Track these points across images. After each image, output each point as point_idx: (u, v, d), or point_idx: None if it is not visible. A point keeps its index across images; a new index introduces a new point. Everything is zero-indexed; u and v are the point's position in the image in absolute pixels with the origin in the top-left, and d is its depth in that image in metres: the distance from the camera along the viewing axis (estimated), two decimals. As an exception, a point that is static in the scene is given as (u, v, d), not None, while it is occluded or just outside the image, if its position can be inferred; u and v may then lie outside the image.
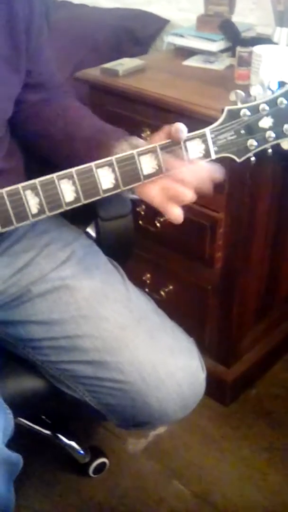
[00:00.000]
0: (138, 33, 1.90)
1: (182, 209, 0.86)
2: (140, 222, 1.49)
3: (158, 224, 1.48)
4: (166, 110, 1.36)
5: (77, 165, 0.83)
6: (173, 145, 0.84)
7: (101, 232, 1.13)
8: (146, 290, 1.57)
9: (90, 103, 1.51)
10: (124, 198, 1.06)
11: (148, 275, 1.61)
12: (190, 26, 1.69)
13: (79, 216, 1.13)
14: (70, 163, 0.84)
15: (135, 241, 1.17)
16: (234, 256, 1.44)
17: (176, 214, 0.86)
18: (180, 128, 0.83)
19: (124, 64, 1.53)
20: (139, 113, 1.44)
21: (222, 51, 1.61)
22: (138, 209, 1.47)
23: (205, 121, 0.87)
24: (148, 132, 1.39)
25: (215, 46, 1.59)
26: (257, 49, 1.32)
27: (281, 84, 0.86)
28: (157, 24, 1.96)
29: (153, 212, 1.46)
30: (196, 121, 1.14)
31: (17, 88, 1.01)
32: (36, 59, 1.03)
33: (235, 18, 1.65)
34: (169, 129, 0.84)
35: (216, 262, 1.44)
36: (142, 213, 1.49)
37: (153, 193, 0.87)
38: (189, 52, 1.64)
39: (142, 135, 1.39)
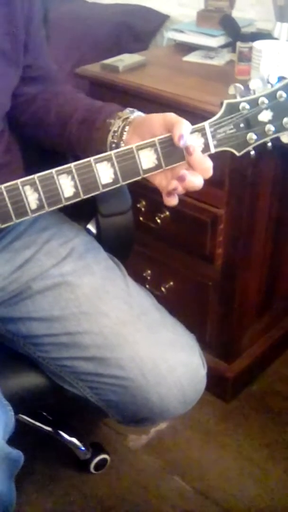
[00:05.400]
0: (138, 29, 1.90)
1: (181, 204, 0.86)
2: (141, 218, 1.49)
3: (158, 221, 1.47)
4: (166, 106, 1.36)
5: (76, 148, 0.82)
6: (172, 140, 0.84)
7: (102, 229, 1.13)
8: (147, 286, 1.57)
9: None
10: (125, 194, 1.06)
11: (149, 271, 1.61)
12: (190, 22, 1.69)
13: (79, 213, 1.13)
14: (69, 147, 0.82)
15: (135, 237, 1.17)
16: (235, 252, 1.44)
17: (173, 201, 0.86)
18: (183, 134, 0.82)
19: (124, 60, 1.52)
20: (139, 109, 1.43)
21: (222, 46, 1.60)
22: (138, 205, 1.47)
23: (206, 117, 0.87)
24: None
25: (215, 42, 1.59)
26: (257, 44, 1.32)
27: (281, 78, 0.86)
28: (157, 20, 1.96)
29: (154, 208, 1.46)
30: (196, 116, 1.13)
31: (14, 81, 1.01)
32: (37, 53, 1.04)
33: (235, 14, 1.65)
34: (172, 122, 0.84)
35: (216, 258, 1.44)
36: (143, 209, 1.48)
37: (160, 176, 0.87)
38: (189, 48, 1.63)
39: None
